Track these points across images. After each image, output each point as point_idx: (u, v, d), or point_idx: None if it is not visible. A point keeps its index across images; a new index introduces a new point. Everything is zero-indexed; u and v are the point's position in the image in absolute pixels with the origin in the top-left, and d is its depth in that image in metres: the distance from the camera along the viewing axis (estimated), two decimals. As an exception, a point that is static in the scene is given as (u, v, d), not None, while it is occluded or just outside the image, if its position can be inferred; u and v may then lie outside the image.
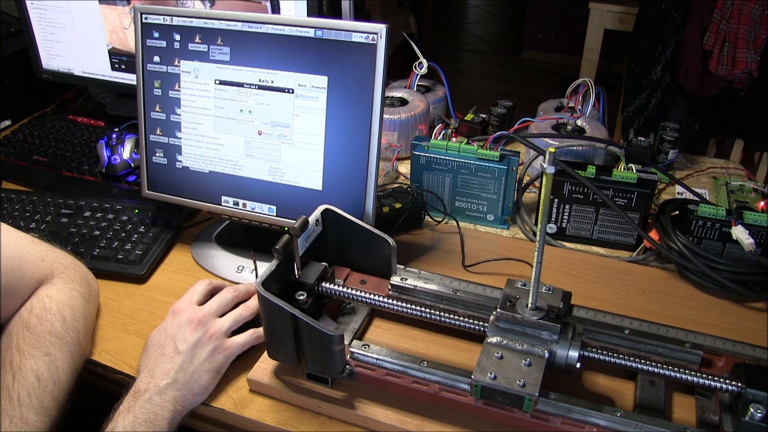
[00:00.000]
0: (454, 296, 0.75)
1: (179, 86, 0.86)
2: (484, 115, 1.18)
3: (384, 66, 0.76)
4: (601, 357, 0.64)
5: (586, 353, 0.64)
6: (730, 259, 0.86)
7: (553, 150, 0.56)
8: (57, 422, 0.67)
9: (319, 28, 0.78)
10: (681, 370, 0.63)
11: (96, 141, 1.15)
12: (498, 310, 0.66)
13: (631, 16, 2.10)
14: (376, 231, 0.75)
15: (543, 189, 0.58)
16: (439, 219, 1.00)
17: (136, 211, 0.98)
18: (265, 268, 0.67)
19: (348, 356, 0.69)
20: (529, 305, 0.65)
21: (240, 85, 0.83)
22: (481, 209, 1.00)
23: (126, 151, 1.09)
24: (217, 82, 0.84)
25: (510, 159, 0.95)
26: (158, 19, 0.85)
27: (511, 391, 0.60)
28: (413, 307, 0.70)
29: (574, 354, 0.63)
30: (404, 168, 1.12)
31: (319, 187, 0.83)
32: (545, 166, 0.56)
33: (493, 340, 0.65)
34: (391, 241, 0.74)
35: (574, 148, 1.01)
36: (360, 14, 1.09)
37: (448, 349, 0.76)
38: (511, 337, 0.65)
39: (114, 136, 1.11)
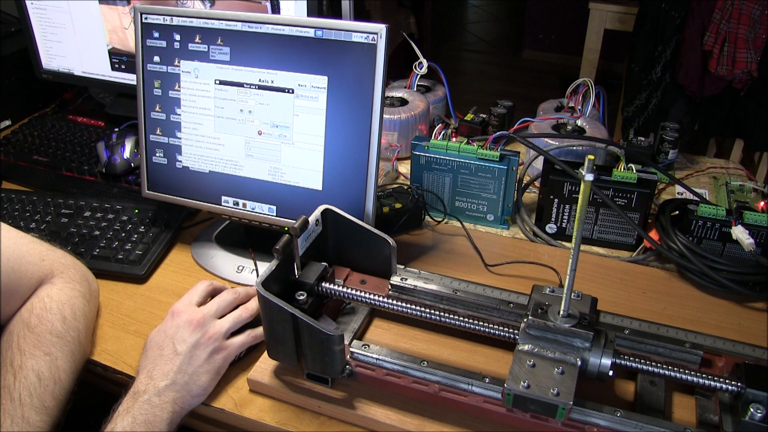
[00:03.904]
0: (454, 296, 0.75)
1: (179, 86, 0.86)
2: (484, 115, 1.18)
3: (384, 66, 0.76)
4: (631, 364, 0.64)
5: (618, 361, 0.64)
6: (730, 259, 0.86)
7: (592, 157, 0.55)
8: (58, 422, 0.67)
9: (319, 28, 0.78)
10: (681, 370, 0.63)
11: (96, 141, 1.15)
12: (529, 317, 0.65)
13: (631, 16, 2.10)
14: (376, 231, 0.75)
15: (581, 196, 0.57)
16: (439, 219, 1.00)
17: (136, 211, 0.98)
18: (265, 268, 0.67)
19: (348, 356, 0.69)
20: (561, 312, 0.64)
21: (240, 85, 0.83)
22: (481, 209, 1.00)
23: (126, 151, 1.09)
24: (217, 82, 0.84)
25: (510, 159, 0.95)
26: (158, 19, 0.85)
27: (545, 400, 0.60)
28: (413, 307, 0.70)
29: (606, 362, 0.63)
30: (404, 168, 1.12)
31: (319, 187, 0.83)
32: (584, 173, 0.55)
33: (525, 347, 0.64)
34: (391, 241, 0.74)
35: (574, 148, 1.01)
36: (360, 14, 1.09)
37: (448, 349, 0.76)
38: (543, 344, 0.64)
39: (114, 136, 1.11)
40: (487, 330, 0.68)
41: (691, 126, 1.88)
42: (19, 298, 0.74)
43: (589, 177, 0.55)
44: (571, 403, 0.59)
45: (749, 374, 0.61)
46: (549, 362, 0.63)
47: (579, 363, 0.62)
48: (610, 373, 0.63)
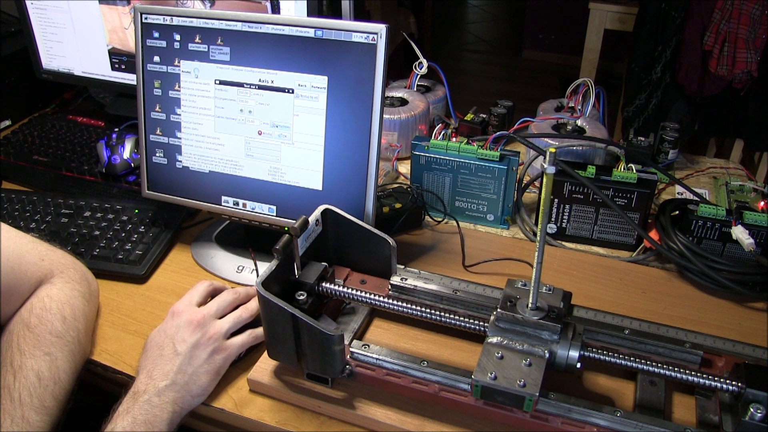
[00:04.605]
0: (454, 296, 0.75)
1: (179, 86, 0.86)
2: (484, 115, 1.18)
3: (384, 66, 0.76)
4: (601, 357, 0.64)
5: (586, 353, 0.64)
6: (730, 259, 0.86)
7: (553, 150, 0.56)
8: (58, 422, 0.67)
9: (319, 28, 0.78)
10: (681, 370, 0.63)
11: (96, 141, 1.15)
12: (498, 310, 0.65)
13: (631, 16, 2.10)
14: (376, 231, 0.75)
15: (543, 189, 0.58)
16: (439, 219, 1.00)
17: (136, 211, 0.98)
18: (265, 268, 0.67)
19: (348, 356, 0.69)
20: (530, 305, 0.65)
21: (240, 85, 0.83)
22: (481, 209, 1.00)
23: (126, 151, 1.09)
24: (217, 82, 0.84)
25: (510, 159, 0.95)
26: (158, 19, 0.85)
27: (511, 391, 0.60)
28: (413, 307, 0.70)
29: (574, 354, 0.63)
30: (404, 168, 1.12)
31: (319, 187, 0.83)
32: (545, 166, 0.56)
33: (494, 340, 0.65)
34: (391, 241, 0.74)
35: (574, 148, 1.01)
36: (360, 14, 1.09)
37: (448, 349, 0.76)
38: (512, 337, 0.65)
39: (114, 136, 1.11)
40: (486, 330, 0.68)
41: (691, 126, 1.88)
42: (18, 298, 0.74)
43: (551, 170, 0.56)
44: (538, 394, 0.60)
45: (749, 374, 0.61)
46: (517, 354, 0.63)
47: (547, 355, 0.63)
48: (578, 365, 0.63)
